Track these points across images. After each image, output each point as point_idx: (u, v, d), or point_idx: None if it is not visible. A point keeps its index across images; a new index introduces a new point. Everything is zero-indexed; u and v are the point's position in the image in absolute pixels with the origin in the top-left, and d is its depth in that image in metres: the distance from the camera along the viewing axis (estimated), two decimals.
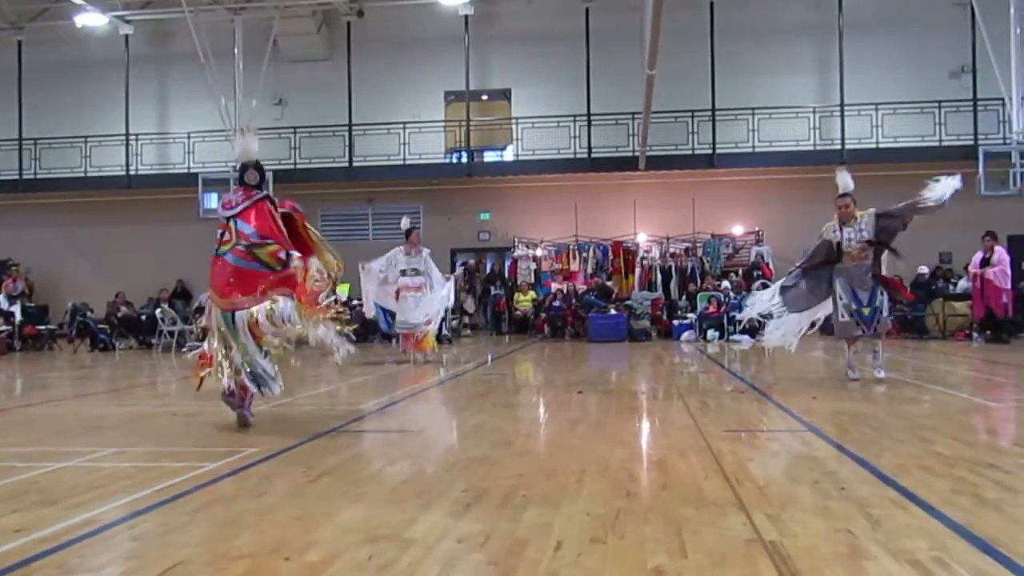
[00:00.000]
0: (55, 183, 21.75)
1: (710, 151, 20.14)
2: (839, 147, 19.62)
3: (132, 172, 21.68)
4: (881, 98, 19.69)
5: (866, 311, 8.04)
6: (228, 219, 5.88)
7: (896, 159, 19.36)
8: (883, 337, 8.35)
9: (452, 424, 6.79)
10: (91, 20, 20.39)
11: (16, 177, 21.96)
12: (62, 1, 20.03)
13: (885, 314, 8.28)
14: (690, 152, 20.30)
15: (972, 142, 19.01)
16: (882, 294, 8.16)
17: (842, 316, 8.12)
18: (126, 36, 21.14)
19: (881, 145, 19.71)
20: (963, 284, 16.26)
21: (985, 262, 14.16)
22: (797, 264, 8.69)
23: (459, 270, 19.25)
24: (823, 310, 8.44)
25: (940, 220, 18.75)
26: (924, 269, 17.60)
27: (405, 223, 12.53)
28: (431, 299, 11.82)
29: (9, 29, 21.62)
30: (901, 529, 3.13)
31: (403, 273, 11.79)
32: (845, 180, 8.32)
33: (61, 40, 21.68)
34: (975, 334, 14.99)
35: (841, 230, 8.18)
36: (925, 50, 19.87)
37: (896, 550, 2.86)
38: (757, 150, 20.11)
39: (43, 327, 18.23)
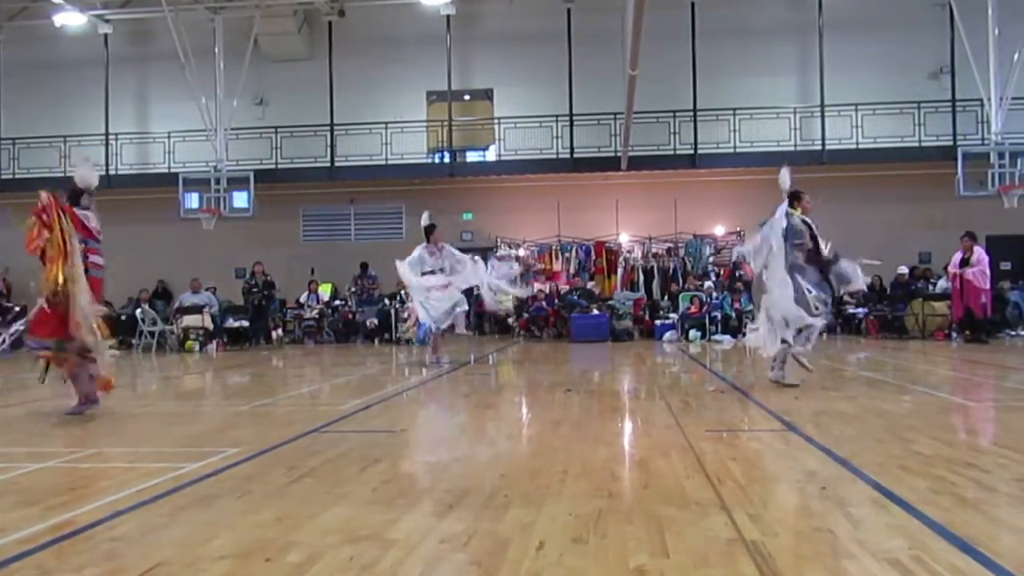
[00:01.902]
0: (34, 183, 21.43)
1: (692, 151, 20.21)
2: (820, 147, 19.74)
3: (112, 172, 21.47)
4: (861, 99, 19.83)
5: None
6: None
7: (876, 159, 19.54)
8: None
9: (435, 424, 6.78)
10: (70, 19, 20.20)
11: None
12: (40, 0, 19.83)
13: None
14: (672, 152, 20.36)
15: (951, 142, 19.19)
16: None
17: (816, 309, 7.65)
18: (105, 35, 20.95)
19: (861, 145, 19.84)
20: (942, 284, 16.40)
21: (964, 262, 14.26)
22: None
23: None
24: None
25: (919, 220, 19.20)
26: (903, 269, 17.74)
27: (426, 219, 11.80)
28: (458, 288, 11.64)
29: None
30: (881, 528, 3.15)
31: (430, 272, 11.42)
32: (787, 179, 8.29)
33: (39, 39, 21.48)
34: (954, 334, 15.12)
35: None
36: (904, 51, 20.03)
37: (876, 549, 2.88)
38: (738, 150, 20.19)
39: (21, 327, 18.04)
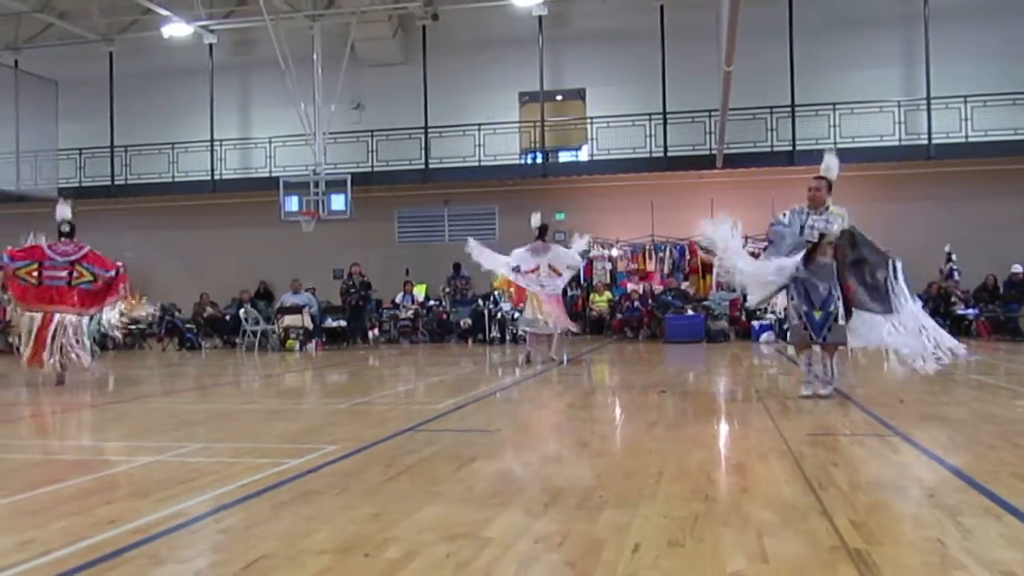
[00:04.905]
0: (144, 188, 22.54)
1: (790, 148, 19.71)
2: (926, 142, 18.98)
3: (216, 177, 22.31)
4: (970, 90, 18.95)
5: (817, 315, 6.99)
6: (73, 263, 9.09)
7: (987, 154, 18.67)
8: (836, 350, 7.22)
9: (529, 424, 6.79)
10: (177, 31, 21.04)
11: (108, 183, 22.82)
12: (150, 13, 20.73)
13: (840, 322, 7.01)
14: (769, 149, 19.89)
15: None
16: (839, 299, 7.01)
17: (792, 319, 7.19)
18: (210, 45, 21.77)
19: (971, 139, 19.00)
20: None
21: None
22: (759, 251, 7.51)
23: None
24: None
25: None
26: (1018, 268, 16.91)
27: (536, 220, 11.66)
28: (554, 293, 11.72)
29: (101, 41, 22.46)
30: (994, 539, 3.01)
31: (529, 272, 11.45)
32: (831, 163, 7.71)
33: (149, 51, 22.45)
34: None
35: (807, 215, 7.33)
36: (1017, 39, 19.04)
37: (989, 561, 2.75)
38: (839, 146, 19.57)
39: (134, 326, 18.91)
